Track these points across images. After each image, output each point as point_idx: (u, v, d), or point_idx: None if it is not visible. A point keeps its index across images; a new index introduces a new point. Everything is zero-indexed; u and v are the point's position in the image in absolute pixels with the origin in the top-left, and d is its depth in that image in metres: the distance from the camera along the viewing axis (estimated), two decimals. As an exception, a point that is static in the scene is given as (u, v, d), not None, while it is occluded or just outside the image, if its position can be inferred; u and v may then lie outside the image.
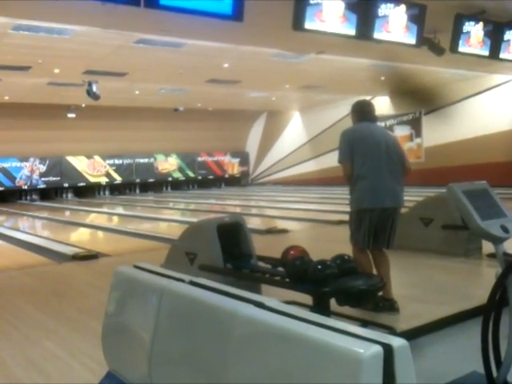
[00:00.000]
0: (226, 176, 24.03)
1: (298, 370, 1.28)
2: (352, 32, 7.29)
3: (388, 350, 1.14)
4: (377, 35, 7.63)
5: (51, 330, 3.83)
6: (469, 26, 8.54)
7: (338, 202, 13.16)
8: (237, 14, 5.64)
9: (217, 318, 1.55)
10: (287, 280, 3.69)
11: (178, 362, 1.66)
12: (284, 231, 8.52)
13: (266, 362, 1.37)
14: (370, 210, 3.88)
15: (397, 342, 1.17)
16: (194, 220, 10.37)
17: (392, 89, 16.95)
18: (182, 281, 1.84)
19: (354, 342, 1.18)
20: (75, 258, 6.74)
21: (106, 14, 6.40)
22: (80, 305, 4.55)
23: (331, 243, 6.95)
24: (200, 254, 4.52)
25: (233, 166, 24.13)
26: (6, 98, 15.91)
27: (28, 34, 8.78)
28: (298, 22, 6.38)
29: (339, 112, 18.23)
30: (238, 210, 14.09)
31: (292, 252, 3.78)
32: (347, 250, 3.86)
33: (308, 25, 6.64)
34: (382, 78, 14.67)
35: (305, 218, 10.46)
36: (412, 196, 8.45)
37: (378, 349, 1.14)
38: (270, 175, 23.34)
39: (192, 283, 1.81)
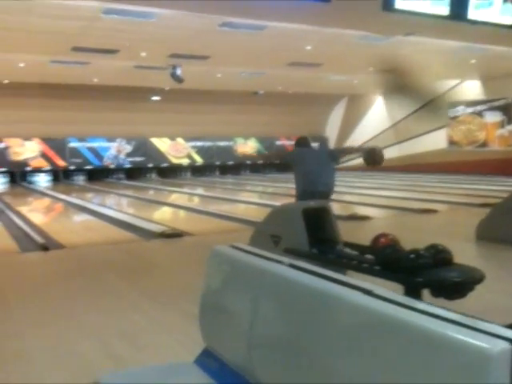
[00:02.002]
0: (305, 160, 23.85)
1: (411, 364, 1.22)
2: (445, 12, 6.95)
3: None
4: (471, 15, 7.23)
5: (141, 305, 3.98)
6: None
7: (421, 190, 12.76)
8: (326, -6, 5.52)
9: (321, 304, 1.52)
10: (376, 268, 3.59)
11: (279, 345, 1.65)
12: (366, 218, 8.36)
13: (375, 353, 1.33)
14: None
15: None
16: (272, 203, 10.45)
17: (483, 72, 16.07)
18: (281, 263, 1.82)
19: (479, 337, 1.10)
20: (162, 235, 6.96)
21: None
22: (167, 281, 4.70)
23: (417, 232, 6.75)
24: (285, 238, 4.51)
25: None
26: (95, 80, 16.61)
27: (117, 17, 9.08)
28: (388, 2, 6.15)
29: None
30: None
31: (382, 239, 3.67)
32: (436, 239, 3.71)
33: (399, 4, 6.40)
34: (473, 61, 13.93)
35: (386, 206, 10.20)
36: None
37: (507, 345, 1.06)
38: (351, 160, 22.92)
39: (291, 266, 1.79)
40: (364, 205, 10.45)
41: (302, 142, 6.43)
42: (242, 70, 15.10)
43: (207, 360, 2.05)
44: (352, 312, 1.42)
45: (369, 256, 3.76)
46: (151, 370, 2.04)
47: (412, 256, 3.22)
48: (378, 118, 21.57)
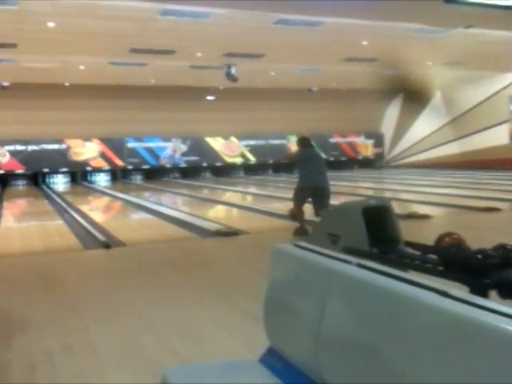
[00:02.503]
0: (359, 158, 23.54)
1: (489, 366, 1.16)
2: (509, 2, 6.67)
3: None
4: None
5: (199, 301, 4.02)
6: None
7: (483, 188, 12.30)
8: (386, -13, 5.40)
9: (394, 305, 1.47)
10: (441, 268, 3.48)
11: (348, 345, 1.61)
12: (426, 217, 8.13)
13: (451, 354, 1.27)
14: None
15: None
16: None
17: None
18: (349, 262, 1.78)
19: None
20: (218, 233, 7.02)
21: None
22: (226, 279, 4.73)
23: (480, 231, 6.49)
24: (344, 237, 4.42)
25: (366, 148, 23.56)
26: (152, 81, 16.97)
27: (174, 18, 9.23)
28: (451, -7, 5.95)
29: (485, 90, 16.91)
30: (370, 192, 13.75)
31: (447, 239, 3.55)
32: (501, 239, 3.56)
33: (462, -5, 6.18)
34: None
35: (446, 204, 9.88)
36: None
37: None
38: (407, 157, 22.41)
39: (360, 265, 1.74)
40: (423, 203, 10.17)
41: (304, 143, 7.32)
42: (295, 66, 15.04)
43: (272, 359, 2.03)
44: (427, 313, 1.37)
45: (432, 256, 3.65)
46: (217, 367, 2.04)
47: (479, 256, 3.10)
48: (436, 113, 20.95)
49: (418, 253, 4.27)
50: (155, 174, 20.31)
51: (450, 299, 1.36)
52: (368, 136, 23.40)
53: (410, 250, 4.41)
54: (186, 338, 3.21)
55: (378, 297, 1.53)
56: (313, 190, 6.96)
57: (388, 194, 13.30)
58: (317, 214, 6.99)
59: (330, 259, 1.84)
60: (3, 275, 5.15)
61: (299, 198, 7.08)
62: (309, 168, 7.06)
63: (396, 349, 1.42)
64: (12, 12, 8.59)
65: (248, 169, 22.00)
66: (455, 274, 3.45)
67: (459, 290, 1.62)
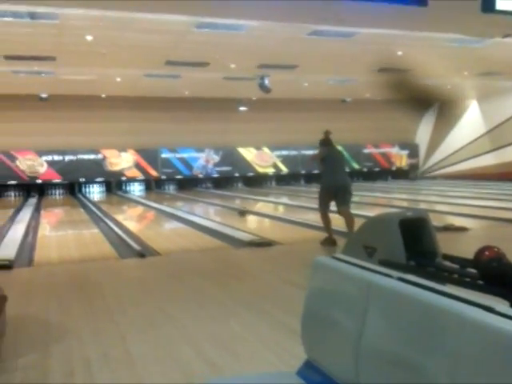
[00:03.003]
0: (393, 168, 23.26)
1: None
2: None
3: None
4: None
5: (235, 312, 4.02)
6: None
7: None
8: (422, -3, 5.36)
9: (437, 320, 1.45)
10: (480, 282, 3.40)
11: (389, 360, 1.59)
12: (462, 229, 7.97)
13: (498, 373, 1.24)
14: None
15: None
16: (358, 212, 10.24)
17: None
18: (390, 276, 1.76)
19: None
20: (251, 244, 7.03)
21: (283, 8, 6.52)
22: (260, 290, 4.72)
23: (520, 244, 6.33)
24: (380, 249, 4.36)
25: (401, 159, 23.28)
26: (186, 92, 17.20)
27: (209, 31, 9.35)
28: (488, 3, 5.86)
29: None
30: (405, 204, 13.57)
31: (487, 252, 3.47)
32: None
33: (500, 5, 6.07)
34: None
35: (483, 216, 9.66)
36: None
37: None
38: (442, 168, 22.02)
39: (401, 279, 1.72)
40: (460, 215, 9.98)
41: (326, 142, 7.45)
42: (329, 77, 15.02)
43: (309, 371, 2.02)
44: (472, 329, 1.34)
45: (471, 270, 3.57)
46: (255, 378, 2.04)
47: (521, 271, 3.02)
48: (472, 124, 20.58)
49: (456, 266, 4.19)
50: (188, 183, 20.50)
51: (495, 315, 1.33)
52: (402, 146, 23.12)
53: (447, 264, 4.33)
54: (222, 349, 3.22)
55: (420, 311, 1.51)
56: (335, 190, 7.06)
57: (423, 206, 13.09)
58: (339, 212, 7.12)
59: (370, 272, 1.82)
60: (41, 283, 5.27)
61: (323, 204, 7.15)
62: (332, 167, 7.18)
63: (438, 365, 1.40)
64: (52, 26, 8.86)
65: (280, 179, 22.01)
66: (495, 288, 3.36)
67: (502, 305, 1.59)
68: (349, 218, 7.03)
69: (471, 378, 1.32)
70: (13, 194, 18.64)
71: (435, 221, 8.54)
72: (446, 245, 5.21)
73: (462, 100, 20.62)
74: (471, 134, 20.36)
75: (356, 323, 1.72)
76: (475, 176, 19.33)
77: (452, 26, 7.97)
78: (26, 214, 12.31)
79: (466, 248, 3.57)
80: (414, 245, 4.21)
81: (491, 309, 1.37)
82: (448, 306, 1.44)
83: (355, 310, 1.74)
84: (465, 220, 9.13)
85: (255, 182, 21.34)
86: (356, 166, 22.67)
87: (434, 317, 1.46)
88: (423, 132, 22.83)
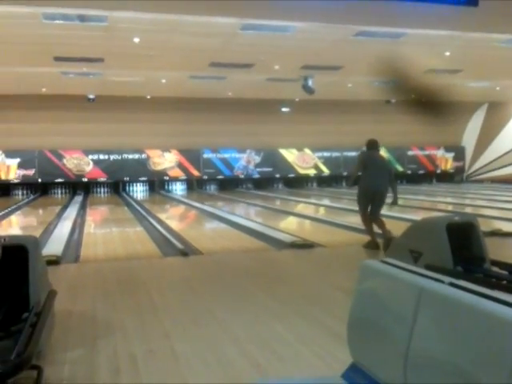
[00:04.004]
0: (438, 171, 22.76)
1: None
2: None
3: None
4: None
5: (278, 314, 4.01)
6: None
7: None
8: (473, -3, 5.22)
9: (489, 327, 1.41)
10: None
11: (438, 366, 1.55)
12: (511, 234, 7.73)
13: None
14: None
15: None
16: (401, 215, 10.07)
17: None
18: (441, 281, 1.73)
19: None
20: (293, 245, 7.01)
21: (330, 9, 6.49)
22: (304, 292, 4.70)
23: None
24: (426, 253, 4.30)
25: (446, 161, 22.75)
26: (230, 94, 17.31)
27: (254, 32, 9.38)
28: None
29: None
30: (450, 207, 13.26)
31: (539, 259, 3.37)
32: None
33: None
34: None
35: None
36: None
37: None
38: (490, 172, 21.39)
39: (452, 285, 1.68)
40: (507, 220, 9.67)
41: (369, 144, 7.34)
42: (374, 78, 14.82)
43: (355, 375, 2.00)
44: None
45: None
46: (302, 381, 2.03)
47: None
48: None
49: (504, 272, 4.08)
50: (229, 184, 20.63)
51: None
52: (448, 149, 22.59)
53: (496, 269, 4.22)
54: (266, 351, 3.22)
55: (472, 318, 1.47)
56: (372, 194, 7.02)
57: (469, 210, 12.77)
58: (372, 219, 7.07)
59: (420, 277, 1.79)
60: (88, 279, 5.40)
61: (362, 207, 7.13)
62: (369, 171, 7.06)
63: (489, 373, 1.36)
64: (101, 28, 9.08)
65: (321, 181, 21.88)
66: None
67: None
68: (379, 222, 7.08)
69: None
70: (59, 191, 19.22)
71: (482, 225, 8.31)
72: (494, 250, 5.09)
73: (510, 102, 19.99)
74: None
75: (405, 328, 1.69)
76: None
77: (502, 26, 7.76)
78: (72, 212, 12.65)
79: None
80: (462, 250, 4.13)
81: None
82: (500, 312, 1.40)
83: (405, 315, 1.72)
84: (510, 225, 8.85)
85: (296, 183, 21.28)
86: (400, 168, 22.30)
87: (488, 324, 1.42)
88: (470, 134, 22.23)
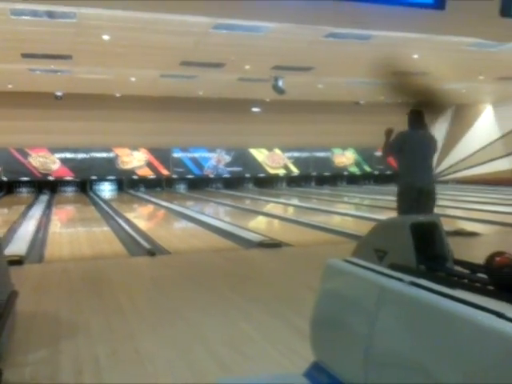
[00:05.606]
0: (405, 172, 23.11)
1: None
2: None
3: None
4: None
5: (246, 313, 4.01)
6: None
7: (535, 206, 11.89)
8: (439, 1, 5.33)
9: (449, 325, 1.44)
10: (491, 288, 3.37)
11: (399, 364, 1.58)
12: (474, 234, 7.92)
13: (507, 381, 1.23)
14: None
15: None
16: (369, 215, 10.22)
17: None
18: (402, 280, 1.76)
19: None
20: (261, 245, 7.03)
21: (301, 10, 6.51)
22: (271, 290, 4.72)
23: (533, 251, 6.27)
24: (391, 253, 4.33)
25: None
26: (200, 93, 17.25)
27: (226, 32, 9.36)
28: (507, 7, 5.81)
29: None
30: (417, 208, 13.46)
31: (498, 258, 3.44)
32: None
33: (518, 9, 6.02)
34: None
35: (496, 221, 9.58)
36: None
37: None
38: (455, 173, 21.87)
39: (413, 283, 1.71)
40: (471, 220, 9.91)
41: (413, 119, 5.32)
42: (344, 79, 14.99)
43: (317, 373, 2.02)
44: (484, 336, 1.33)
45: (481, 275, 3.55)
46: (262, 379, 2.04)
47: (533, 278, 3.00)
48: (486, 127, 20.41)
49: (466, 271, 4.15)
50: (199, 183, 20.56)
51: (506, 321, 1.32)
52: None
53: (458, 269, 4.30)
54: (232, 350, 3.21)
55: (431, 317, 1.50)
56: (417, 194, 5.16)
57: (434, 210, 13.02)
58: None
59: (382, 276, 1.82)
60: (52, 280, 5.30)
61: (402, 213, 5.23)
62: (411, 160, 5.20)
63: (448, 371, 1.39)
64: (69, 25, 8.93)
65: (291, 180, 22.01)
66: (506, 294, 3.34)
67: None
68: None
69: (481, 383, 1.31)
70: (25, 190, 18.82)
71: (447, 225, 8.50)
72: (458, 250, 5.19)
73: (476, 104, 20.47)
74: (485, 139, 20.20)
75: (366, 327, 1.71)
76: (489, 181, 19.17)
77: (470, 29, 7.93)
78: (37, 211, 12.42)
79: (478, 253, 3.55)
80: (425, 249, 4.19)
81: (502, 315, 1.36)
82: (460, 311, 1.43)
83: (366, 314, 1.74)
84: (477, 225, 9.07)
85: (266, 182, 21.35)
86: (368, 168, 22.63)
87: (445, 322, 1.45)
88: (436, 136, 22.58)
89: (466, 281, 4.08)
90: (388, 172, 22.89)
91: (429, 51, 10.71)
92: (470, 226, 8.79)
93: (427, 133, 5.49)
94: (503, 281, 3.35)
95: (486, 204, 12.95)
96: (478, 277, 3.89)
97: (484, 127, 20.56)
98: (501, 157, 19.33)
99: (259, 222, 11.32)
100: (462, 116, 21.29)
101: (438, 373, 1.43)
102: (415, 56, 11.20)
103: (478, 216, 10.45)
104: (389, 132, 5.48)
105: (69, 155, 18.97)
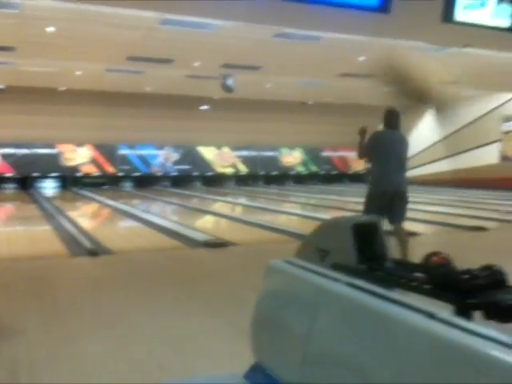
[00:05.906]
0: (350, 172, 23.64)
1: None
2: (506, 24, 6.77)
3: None
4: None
5: (191, 313, 3.99)
6: None
7: (473, 206, 12.39)
8: (384, 5, 5.47)
9: (380, 326, 1.48)
10: (427, 287, 3.49)
11: (335, 365, 1.61)
12: (413, 234, 8.17)
13: (437, 379, 1.28)
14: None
15: None
16: (315, 215, 10.37)
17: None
18: (339, 281, 1.79)
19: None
20: (207, 244, 7.00)
21: (250, 8, 6.53)
22: (216, 290, 4.71)
23: (467, 251, 6.52)
24: (333, 252, 4.41)
25: (358, 163, 23.68)
26: (148, 89, 16.99)
27: (174, 28, 9.25)
28: (448, 14, 6.04)
29: (478, 109, 17.06)
30: (359, 207, 13.79)
31: (435, 258, 3.57)
32: (488, 259, 3.59)
33: (459, 16, 6.27)
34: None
35: (435, 222, 9.94)
36: None
37: None
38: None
39: (348, 284, 1.75)
40: (411, 220, 10.19)
41: (388, 120, 5.22)
42: (292, 79, 15.12)
43: (257, 375, 2.03)
44: (412, 335, 1.38)
45: (419, 274, 3.67)
46: (202, 380, 2.03)
47: (466, 277, 3.12)
48: (427, 130, 21.12)
49: (404, 271, 4.27)
50: (146, 181, 20.25)
51: (436, 321, 1.37)
52: (360, 151, 23.48)
53: (397, 268, 4.41)
54: (173, 350, 3.19)
55: (364, 317, 1.54)
56: (390, 196, 5.11)
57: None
58: (394, 227, 5.28)
59: (319, 277, 1.85)
60: (-12, 280, 5.10)
61: (371, 212, 5.00)
62: (384, 162, 5.09)
63: (380, 371, 1.43)
64: (12, 15, 8.59)
65: (239, 179, 22.04)
66: (442, 293, 3.47)
67: (446, 310, 1.66)
68: (403, 237, 5.30)
69: (413, 382, 1.35)
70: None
71: (388, 225, 8.73)
72: (397, 249, 5.34)
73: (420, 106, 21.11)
74: (426, 141, 20.89)
75: (304, 328, 1.74)
76: (429, 182, 19.84)
77: (413, 33, 8.17)
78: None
79: (416, 252, 3.67)
80: (366, 249, 4.30)
81: (432, 315, 1.41)
82: (391, 311, 1.48)
83: (304, 315, 1.76)
84: (416, 225, 9.34)
85: (214, 181, 21.29)
86: (314, 168, 22.97)
87: (379, 323, 1.49)
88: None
89: (403, 280, 4.22)
90: (334, 172, 23.33)
91: (374, 54, 10.95)
92: (409, 227, 9.03)
93: (400, 133, 5.42)
94: (439, 280, 3.49)
95: (426, 204, 13.39)
96: (416, 276, 4.03)
97: (425, 130, 21.25)
98: (441, 158, 20.04)
99: (206, 222, 11.27)
100: (405, 118, 21.84)
101: (372, 372, 1.47)
102: (361, 58, 11.44)
103: (418, 216, 10.77)
104: (362, 131, 5.36)
105: (9, 150, 18.26)
